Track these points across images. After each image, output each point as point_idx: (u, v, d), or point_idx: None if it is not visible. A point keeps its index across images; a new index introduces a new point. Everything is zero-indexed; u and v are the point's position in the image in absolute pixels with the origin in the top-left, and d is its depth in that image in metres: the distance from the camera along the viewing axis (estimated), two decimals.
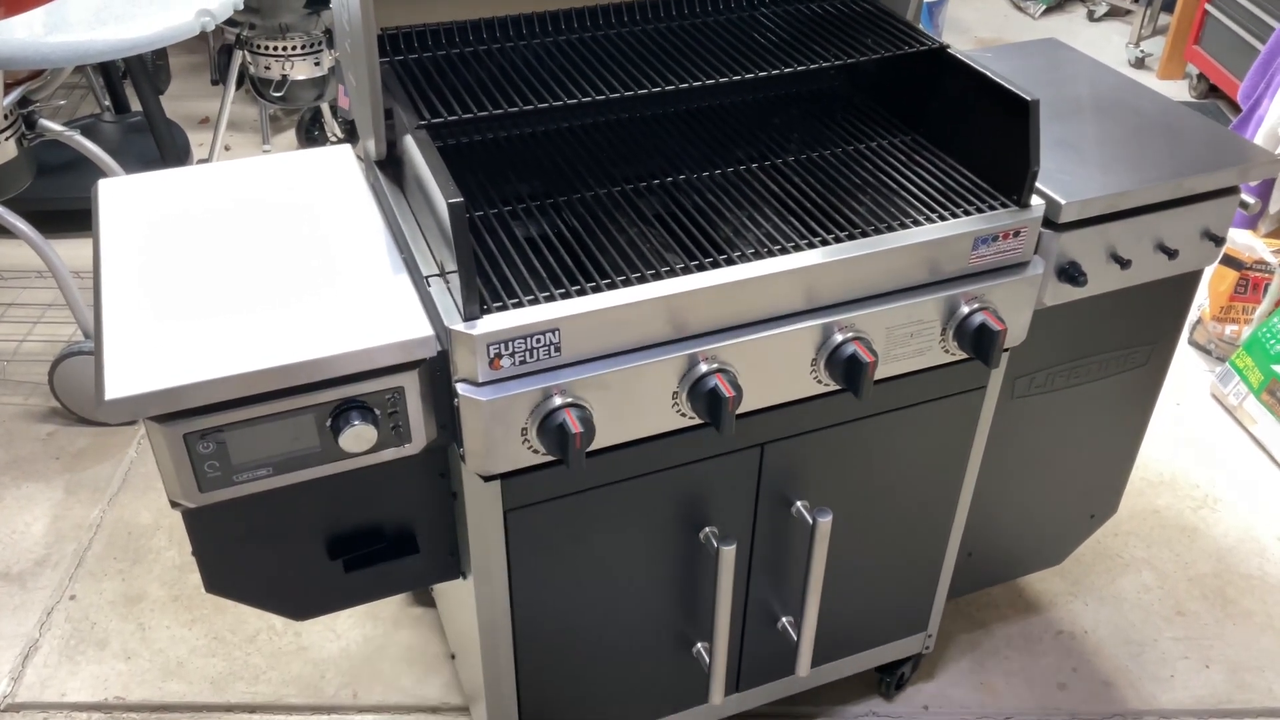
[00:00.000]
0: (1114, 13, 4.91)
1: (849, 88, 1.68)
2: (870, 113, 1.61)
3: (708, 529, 1.45)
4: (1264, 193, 2.77)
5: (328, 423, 1.15)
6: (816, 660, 1.71)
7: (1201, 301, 2.73)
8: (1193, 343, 2.79)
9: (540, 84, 1.36)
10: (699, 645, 1.58)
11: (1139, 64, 4.50)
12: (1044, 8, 4.90)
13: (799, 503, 1.50)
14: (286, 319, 1.16)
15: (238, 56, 3.07)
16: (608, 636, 1.50)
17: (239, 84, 3.26)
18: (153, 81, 3.13)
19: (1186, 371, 2.72)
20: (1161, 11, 4.59)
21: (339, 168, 1.46)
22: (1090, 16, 4.91)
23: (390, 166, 1.41)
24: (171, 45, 4.06)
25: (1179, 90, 4.29)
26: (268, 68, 3.06)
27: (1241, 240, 2.61)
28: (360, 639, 1.99)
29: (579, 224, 1.36)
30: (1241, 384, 2.55)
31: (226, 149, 3.73)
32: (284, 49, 3.06)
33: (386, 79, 1.36)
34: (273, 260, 1.26)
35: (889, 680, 1.89)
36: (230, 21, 2.94)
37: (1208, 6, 4.01)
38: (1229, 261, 2.63)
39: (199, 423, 1.10)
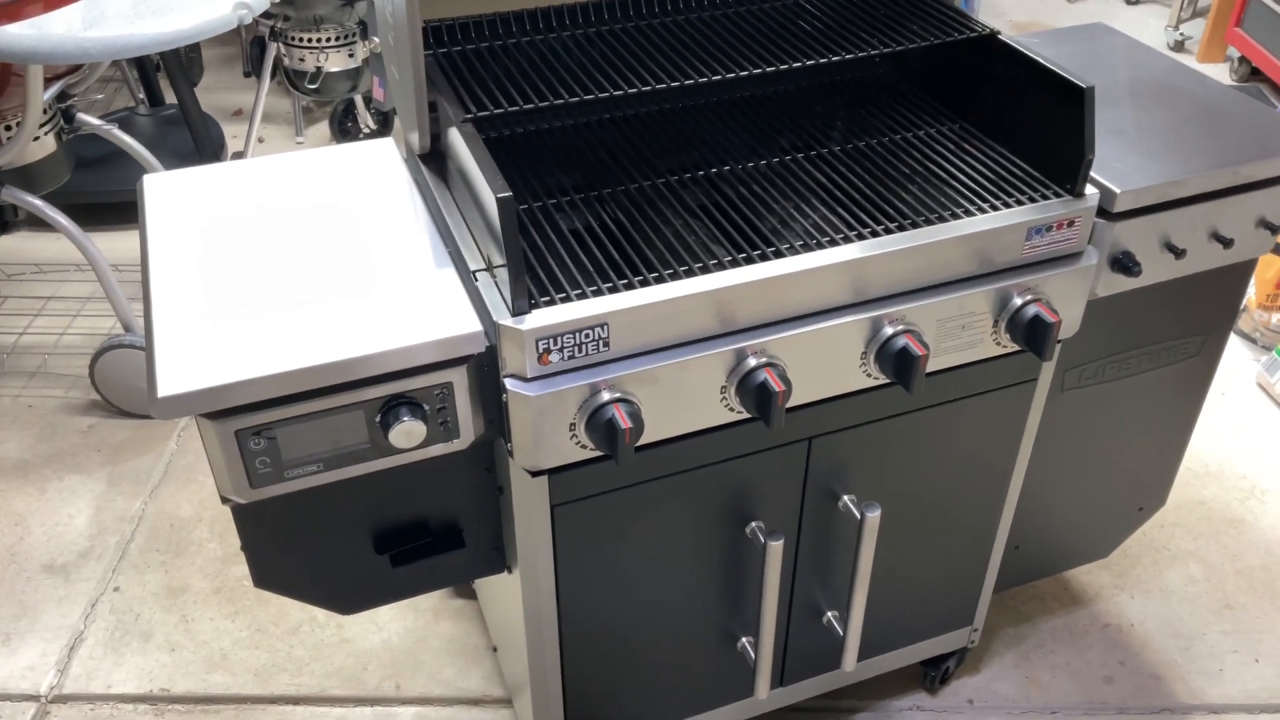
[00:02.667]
0: None
1: (895, 75, 1.66)
2: (917, 101, 1.59)
3: (754, 524, 1.44)
4: None
5: (377, 419, 1.15)
6: (862, 655, 1.70)
7: (1247, 290, 2.68)
8: (1238, 331, 2.75)
9: (585, 75, 1.35)
10: (744, 640, 1.57)
11: (1178, 47, 4.43)
12: None
13: (846, 497, 1.48)
14: (335, 315, 1.15)
15: (272, 48, 3.08)
16: (653, 631, 1.50)
17: (272, 76, 3.27)
18: (187, 74, 3.14)
19: (1232, 360, 2.68)
20: None
21: (381, 161, 1.45)
22: (1127, 0, 4.84)
23: (433, 160, 1.40)
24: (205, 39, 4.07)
25: (1220, 74, 4.22)
26: (302, 60, 3.06)
27: None
28: (402, 631, 1.99)
29: (624, 216, 1.35)
30: None
31: (260, 141, 3.75)
32: (318, 41, 3.06)
33: (430, 71, 1.35)
34: (320, 256, 1.25)
35: (933, 674, 1.87)
36: (265, 14, 2.94)
37: None
38: (1276, 249, 2.58)
39: (250, 419, 1.10)
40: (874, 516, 1.44)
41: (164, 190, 1.40)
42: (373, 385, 1.13)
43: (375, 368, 1.11)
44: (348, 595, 1.37)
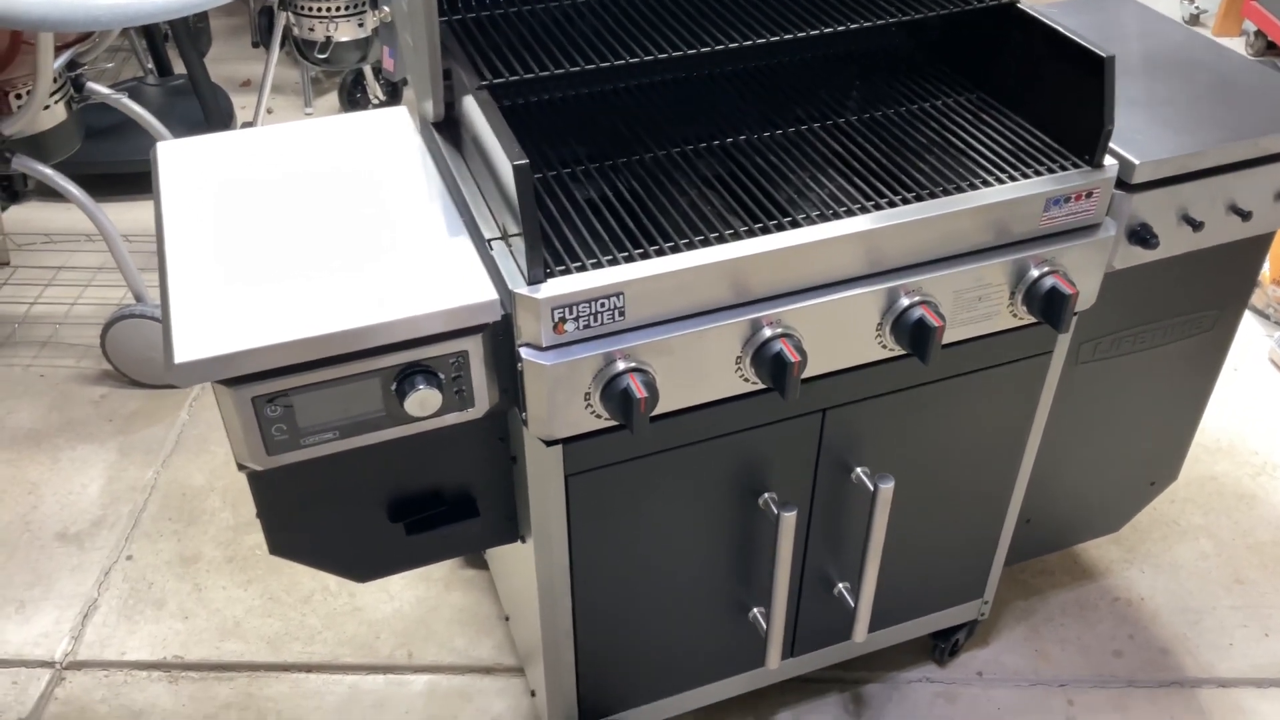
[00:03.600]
0: None
1: (912, 45, 1.64)
2: (934, 70, 1.57)
3: (767, 495, 1.44)
4: None
5: (393, 387, 1.15)
6: (872, 626, 1.70)
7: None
8: (1251, 307, 2.73)
9: (600, 42, 1.33)
10: (755, 610, 1.57)
11: (1194, 21, 4.39)
12: None
13: (859, 469, 1.48)
14: (350, 283, 1.15)
15: (281, 18, 3.06)
16: (665, 600, 1.50)
17: (281, 46, 3.25)
18: (196, 44, 3.13)
19: (1245, 336, 2.67)
20: None
21: (395, 130, 1.45)
22: None
23: (447, 128, 1.39)
24: (214, 7, 4.05)
25: (1235, 48, 4.18)
26: (311, 29, 3.05)
27: None
28: (414, 600, 2.00)
29: (639, 186, 1.34)
30: None
31: (269, 112, 3.73)
32: (328, 10, 3.04)
33: (444, 39, 1.34)
34: (334, 224, 1.25)
35: (943, 646, 1.88)
36: None
37: None
38: None
39: (267, 386, 1.10)
40: (887, 488, 1.44)
41: (178, 158, 1.40)
42: (388, 353, 1.13)
43: (391, 335, 1.11)
44: (362, 563, 1.38)
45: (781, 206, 1.29)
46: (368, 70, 3.53)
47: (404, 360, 1.14)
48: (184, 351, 1.06)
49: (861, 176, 1.35)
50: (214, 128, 3.07)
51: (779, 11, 1.42)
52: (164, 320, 1.12)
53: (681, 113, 1.49)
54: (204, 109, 3.09)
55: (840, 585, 1.62)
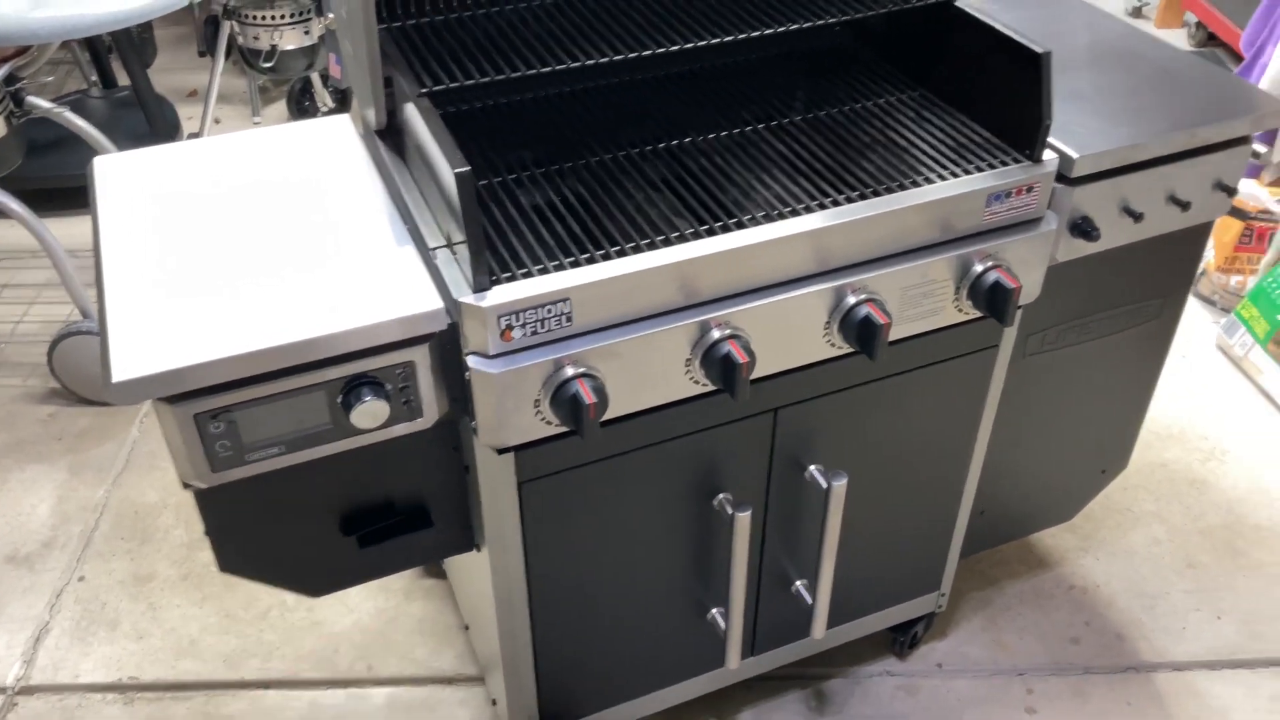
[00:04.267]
0: None
1: (855, 44, 1.65)
2: (877, 69, 1.58)
3: (722, 495, 1.44)
4: (1267, 141, 2.75)
5: (339, 399, 1.13)
6: (831, 622, 1.71)
7: (1206, 253, 2.71)
8: (1197, 294, 2.78)
9: (542, 47, 1.33)
10: (714, 611, 1.57)
11: (1136, 13, 4.45)
12: None
13: (812, 467, 1.49)
14: (293, 295, 1.14)
15: (225, 27, 3.02)
16: (623, 604, 1.50)
17: (227, 55, 3.22)
18: (140, 55, 3.08)
19: (1192, 323, 2.71)
20: None
21: (337, 139, 1.43)
22: None
23: (390, 136, 1.38)
24: (158, 18, 4.00)
25: (1177, 39, 4.25)
26: (256, 38, 3.01)
27: (1246, 190, 2.59)
28: (373, 611, 1.98)
29: (585, 190, 1.34)
30: (1247, 335, 2.54)
31: (216, 122, 3.69)
32: (272, 18, 3.01)
33: (384, 45, 1.33)
34: (276, 235, 1.24)
35: (902, 639, 1.89)
36: None
37: None
38: (1234, 212, 2.61)
39: (209, 402, 1.09)
40: (840, 485, 1.45)
41: (115, 172, 1.38)
42: (333, 365, 1.12)
43: (336, 348, 1.10)
44: (315, 577, 1.36)
45: (728, 208, 1.29)
46: (316, 78, 3.50)
47: (350, 372, 1.13)
48: (122, 369, 1.05)
49: (807, 176, 1.35)
50: (159, 139, 3.03)
51: (722, 11, 1.43)
52: (101, 338, 1.10)
53: (628, 115, 1.49)
54: (149, 121, 3.05)
55: (798, 583, 1.63)
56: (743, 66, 1.61)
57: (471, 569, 1.56)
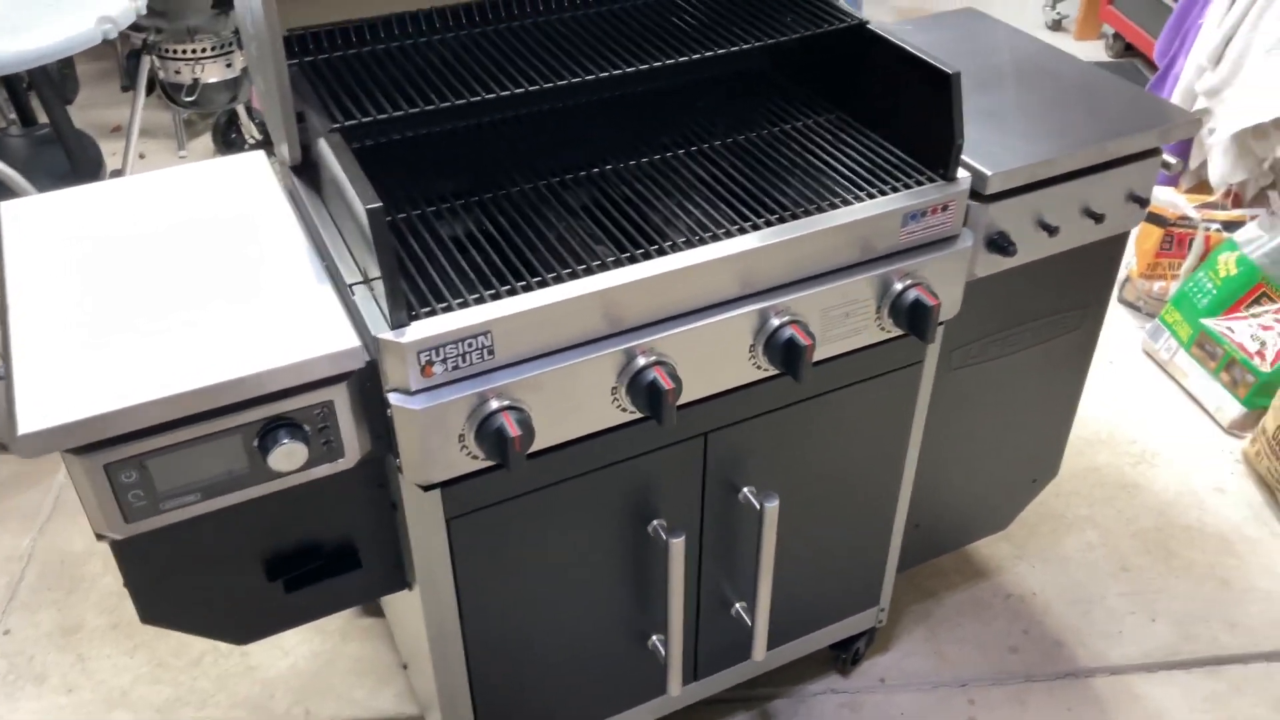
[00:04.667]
0: None
1: (774, 68, 1.67)
2: (796, 93, 1.60)
3: (656, 522, 1.44)
4: (1183, 150, 2.82)
5: (255, 443, 1.11)
6: (772, 643, 1.71)
7: (1129, 260, 2.77)
8: (1123, 300, 2.84)
9: (457, 79, 1.32)
10: (654, 638, 1.57)
11: (1056, 26, 4.56)
12: None
13: (746, 489, 1.49)
14: (206, 338, 1.11)
15: (145, 62, 2.97)
16: (561, 636, 1.49)
17: (149, 90, 3.16)
18: (60, 91, 3.02)
19: (1118, 329, 2.76)
20: None
21: (254, 175, 1.41)
22: None
23: (307, 171, 1.36)
24: (78, 53, 3.91)
25: (1096, 51, 4.35)
26: (177, 72, 2.97)
27: (1165, 198, 2.66)
28: (309, 654, 1.94)
29: (507, 221, 1.33)
30: (1171, 339, 2.60)
31: (141, 157, 3.63)
32: (193, 52, 2.96)
33: (296, 81, 1.32)
34: (188, 277, 1.21)
35: (845, 656, 1.89)
36: (136, 26, 2.85)
37: None
38: (1154, 219, 2.67)
39: (119, 452, 1.06)
40: (772, 507, 1.45)
41: (22, 217, 1.34)
42: (248, 408, 1.09)
43: (249, 390, 1.07)
44: (241, 625, 1.33)
45: (650, 235, 1.29)
46: (241, 110, 3.46)
47: (265, 415, 1.10)
48: (28, 421, 1.02)
49: (727, 201, 1.36)
50: (82, 177, 2.96)
51: (639, 39, 1.43)
52: (7, 389, 1.07)
53: (551, 144, 1.49)
54: (70, 159, 2.98)
55: (737, 605, 1.62)
56: (665, 92, 1.62)
57: (406, 607, 1.54)
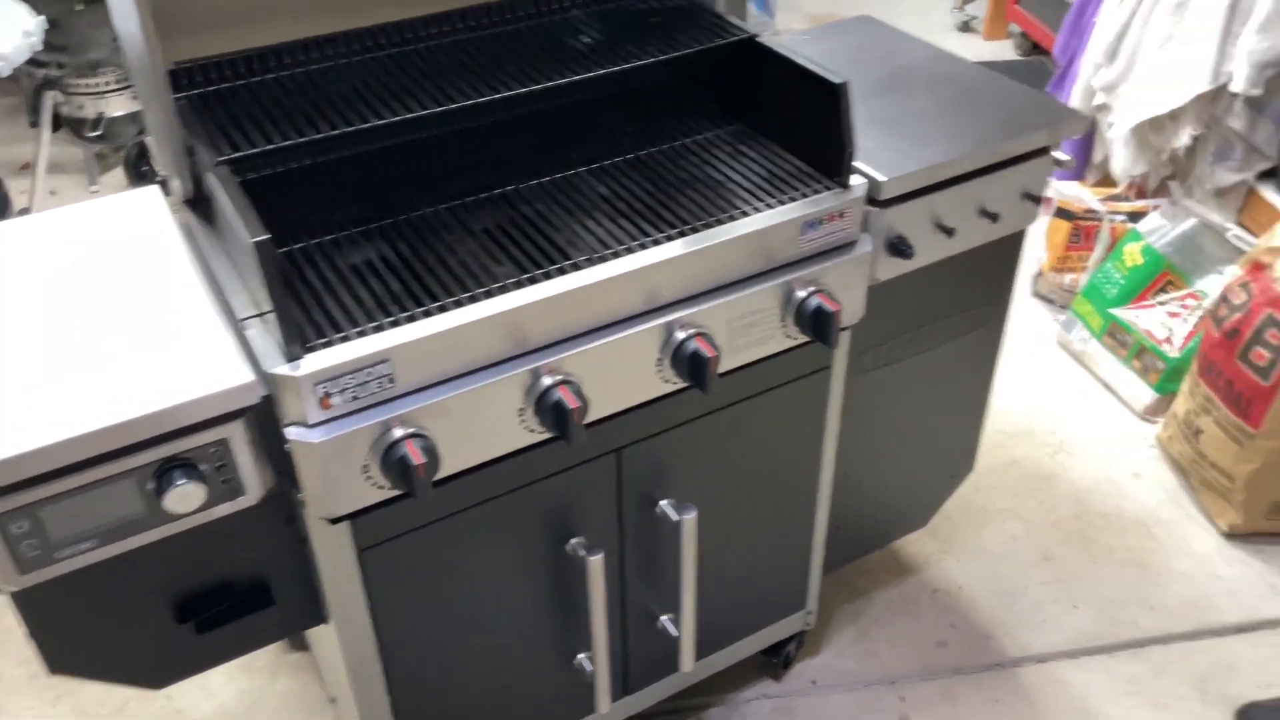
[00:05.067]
0: None
1: (676, 83, 1.68)
2: (698, 107, 1.61)
3: (574, 540, 1.44)
4: (1086, 146, 2.89)
5: (150, 485, 1.09)
6: (701, 652, 1.71)
7: (1040, 254, 2.83)
8: (1037, 294, 2.90)
9: (353, 105, 1.31)
10: (581, 656, 1.56)
11: (965, 27, 4.65)
12: None
13: (663, 502, 1.49)
14: (95, 380, 1.09)
15: (49, 97, 2.91)
16: (487, 661, 1.48)
17: (56, 125, 3.10)
18: None
19: (1033, 323, 2.82)
20: None
21: (148, 210, 1.38)
22: None
23: (200, 205, 1.34)
24: None
25: (1005, 50, 4.45)
26: (81, 107, 2.91)
27: (1071, 192, 2.72)
28: (236, 694, 1.91)
29: (410, 246, 1.33)
30: (1084, 329, 2.66)
31: (53, 194, 3.54)
32: (97, 86, 2.91)
33: (186, 114, 1.30)
34: (77, 318, 1.18)
35: (776, 661, 1.91)
36: (37, 62, 2.79)
37: None
38: (1061, 213, 2.73)
39: (9, 501, 1.03)
40: (690, 519, 1.45)
41: None
42: (141, 451, 1.07)
43: (139, 433, 1.05)
44: (154, 670, 1.30)
45: (555, 253, 1.29)
46: (151, 142, 3.39)
47: (159, 456, 1.08)
48: None
49: (629, 216, 1.36)
50: None
51: (536, 59, 1.43)
52: None
53: (453, 167, 1.48)
54: None
55: (663, 618, 1.63)
56: (566, 111, 1.62)
57: (328, 641, 1.51)
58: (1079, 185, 2.78)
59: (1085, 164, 2.94)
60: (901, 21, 5.01)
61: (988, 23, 4.55)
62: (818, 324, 1.37)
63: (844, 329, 1.49)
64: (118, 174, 3.66)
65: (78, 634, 1.22)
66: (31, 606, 1.17)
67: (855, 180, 1.39)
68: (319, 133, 1.25)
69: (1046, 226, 2.78)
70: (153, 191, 1.42)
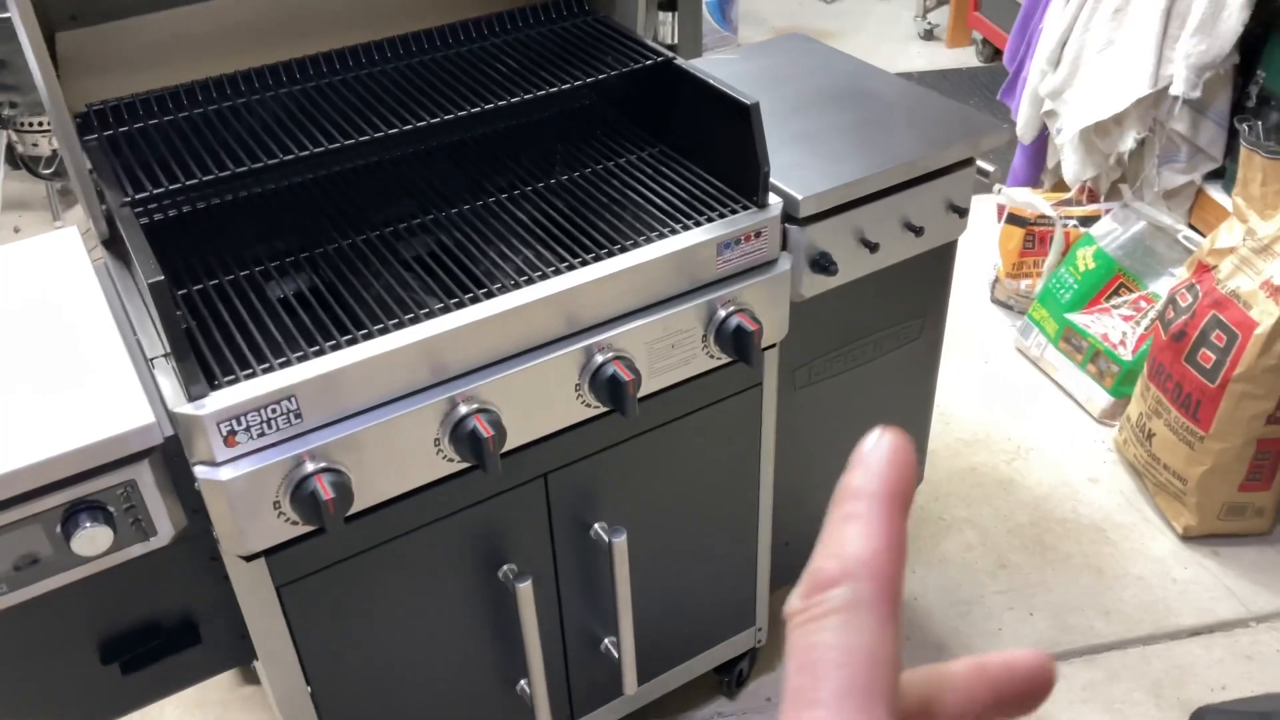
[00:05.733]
0: None
1: (601, 106, 1.69)
2: (621, 129, 1.61)
3: (506, 566, 1.43)
4: (1039, 151, 2.90)
5: (57, 529, 1.09)
6: (648, 674, 1.71)
7: (996, 260, 2.84)
8: (995, 300, 2.90)
9: (263, 141, 1.31)
10: (522, 682, 1.56)
11: (928, 35, 4.67)
12: None
13: (596, 525, 1.49)
14: None
15: (2, 136, 2.92)
16: (424, 692, 1.47)
17: (17, 165, 3.10)
18: None
19: (991, 329, 2.83)
20: None
21: (65, 253, 1.39)
22: None
23: (116, 246, 1.35)
24: None
25: (967, 57, 4.47)
26: (35, 144, 2.92)
27: (1021, 198, 2.73)
28: None
29: (333, 277, 1.33)
30: (1040, 335, 2.67)
31: (16, 231, 3.55)
32: (48, 124, 2.91)
33: (95, 156, 1.30)
34: None
35: (728, 679, 1.90)
36: None
37: None
38: (1014, 219, 2.74)
39: None
40: (620, 541, 1.45)
41: None
42: (45, 495, 1.07)
43: (39, 478, 1.05)
44: (81, 712, 1.30)
45: (478, 280, 1.29)
46: None
47: (64, 500, 1.08)
48: None
49: (550, 240, 1.37)
50: None
51: (459, 88, 1.43)
52: None
53: (373, 198, 1.48)
54: None
55: (606, 640, 1.62)
56: (491, 138, 1.62)
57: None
58: (1030, 191, 2.79)
59: (1040, 169, 2.95)
60: (868, 32, 5.02)
61: (950, 30, 4.57)
62: (738, 343, 1.37)
63: (769, 347, 1.49)
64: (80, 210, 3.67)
65: (3, 676, 1.21)
66: None
67: (772, 199, 1.39)
68: (227, 170, 1.25)
69: (999, 233, 2.78)
70: (70, 233, 1.43)
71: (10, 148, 2.99)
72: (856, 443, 0.35)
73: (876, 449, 0.35)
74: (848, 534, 0.35)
